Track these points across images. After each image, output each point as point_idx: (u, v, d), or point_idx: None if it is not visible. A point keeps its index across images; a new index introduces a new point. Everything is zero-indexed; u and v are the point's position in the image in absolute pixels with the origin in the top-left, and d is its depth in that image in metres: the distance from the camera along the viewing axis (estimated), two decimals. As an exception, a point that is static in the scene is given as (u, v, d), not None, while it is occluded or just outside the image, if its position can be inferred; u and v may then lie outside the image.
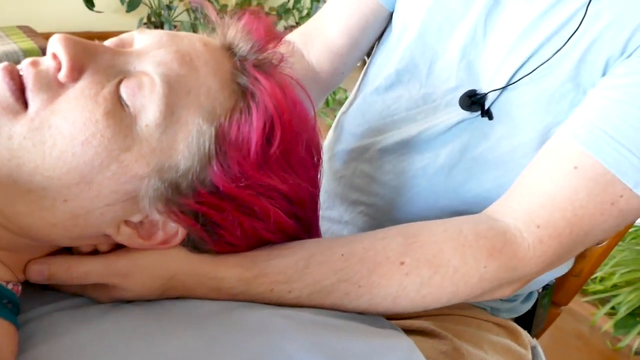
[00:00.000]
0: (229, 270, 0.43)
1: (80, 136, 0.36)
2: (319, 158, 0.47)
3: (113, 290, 0.42)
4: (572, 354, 1.60)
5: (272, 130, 0.41)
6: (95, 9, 2.97)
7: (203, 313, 0.41)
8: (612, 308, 1.60)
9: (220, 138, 0.40)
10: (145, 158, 0.38)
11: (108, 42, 0.42)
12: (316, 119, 0.47)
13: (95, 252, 0.43)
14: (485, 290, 0.48)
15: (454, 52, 0.58)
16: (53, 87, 0.37)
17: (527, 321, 0.71)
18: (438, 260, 0.46)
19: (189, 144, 0.39)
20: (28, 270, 0.41)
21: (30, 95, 0.37)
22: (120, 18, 3.30)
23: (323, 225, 0.57)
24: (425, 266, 0.46)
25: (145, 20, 3.22)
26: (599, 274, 1.68)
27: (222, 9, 3.52)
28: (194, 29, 3.16)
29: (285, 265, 0.44)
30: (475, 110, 0.55)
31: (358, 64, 0.77)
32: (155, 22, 3.20)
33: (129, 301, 0.43)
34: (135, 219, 0.41)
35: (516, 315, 0.71)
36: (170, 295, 0.43)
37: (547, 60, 0.50)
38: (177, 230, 0.42)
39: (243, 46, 0.44)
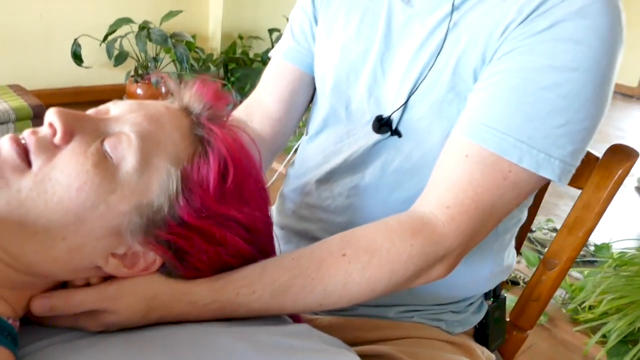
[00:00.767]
0: (199, 285, 0.51)
1: (75, 184, 0.44)
2: (266, 193, 0.55)
3: (103, 316, 0.48)
4: (568, 385, 1.57)
5: (226, 169, 0.50)
6: (83, 64, 3.06)
7: (177, 340, 0.47)
8: (603, 336, 1.57)
9: (185, 178, 0.48)
10: (127, 198, 0.46)
11: (89, 112, 0.51)
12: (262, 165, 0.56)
13: (87, 286, 0.50)
14: (419, 268, 0.55)
15: (363, 93, 0.69)
16: (50, 149, 0.46)
17: (483, 336, 0.76)
18: (372, 247, 0.54)
19: (160, 185, 0.47)
20: (33, 304, 0.47)
21: (33, 156, 0.45)
22: (108, 72, 3.39)
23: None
24: (363, 253, 0.54)
25: (132, 73, 3.31)
26: (587, 302, 1.67)
27: (208, 59, 3.62)
28: (180, 79, 3.24)
29: (246, 272, 0.52)
30: (386, 132, 0.66)
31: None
32: (143, 74, 3.27)
33: (115, 331, 0.49)
34: (120, 251, 0.48)
35: (470, 327, 0.76)
36: (153, 315, 0.49)
37: (424, 79, 0.62)
38: (154, 258, 0.49)
39: (197, 107, 0.53)
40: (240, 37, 3.84)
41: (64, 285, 0.50)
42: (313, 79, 0.79)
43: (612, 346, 1.53)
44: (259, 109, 0.80)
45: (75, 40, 3.03)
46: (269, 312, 0.53)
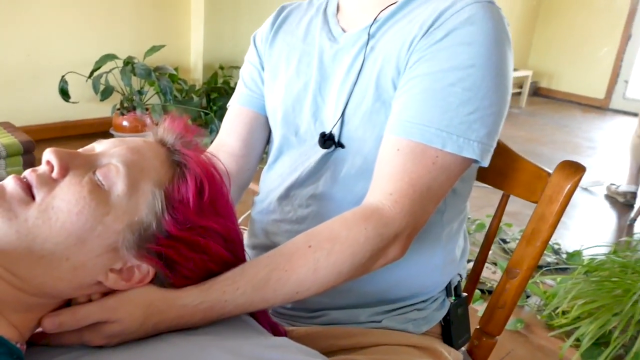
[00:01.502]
0: (189, 289, 0.58)
1: (75, 209, 0.51)
2: (234, 207, 0.65)
3: (106, 327, 0.54)
4: (548, 389, 1.66)
5: (202, 186, 0.58)
6: (70, 100, 3.13)
7: (169, 356, 0.53)
8: (577, 340, 1.67)
9: (168, 197, 0.56)
10: (120, 218, 0.53)
11: (92, 147, 0.60)
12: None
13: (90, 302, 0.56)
14: (376, 248, 0.64)
15: (308, 119, 0.81)
16: (50, 183, 0.53)
17: (448, 333, 0.84)
18: (333, 235, 0.63)
19: (147, 204, 0.55)
20: (43, 322, 0.53)
21: (35, 190, 0.52)
22: (95, 106, 3.47)
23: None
24: (325, 242, 0.63)
25: (118, 106, 3.39)
26: (561, 308, 1.77)
27: (191, 89, 3.71)
28: (165, 110, 3.32)
29: (228, 274, 0.60)
30: (330, 146, 0.77)
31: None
32: (128, 107, 3.36)
33: (115, 347, 0.55)
34: (117, 266, 0.55)
35: (435, 323, 0.83)
36: (150, 321, 0.55)
37: (352, 95, 0.74)
38: (148, 270, 0.56)
39: (170, 138, 0.61)
40: (221, 68, 3.95)
41: (67, 305, 0.56)
42: (267, 119, 0.90)
43: (585, 349, 1.63)
44: (222, 150, 0.89)
45: (62, 77, 3.11)
46: (253, 305, 0.60)
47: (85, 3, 3.31)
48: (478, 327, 0.89)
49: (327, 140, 0.76)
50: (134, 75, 3.19)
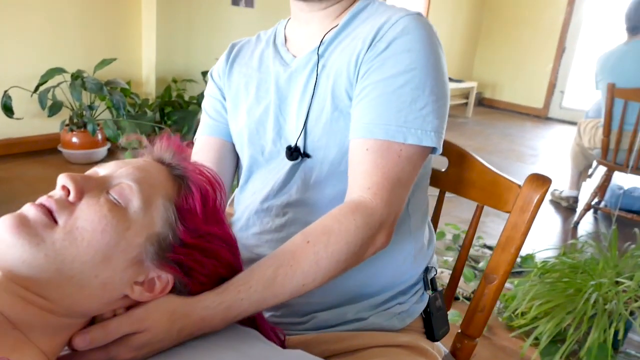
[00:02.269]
0: (207, 294, 0.62)
1: (99, 227, 0.54)
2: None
3: (134, 338, 0.56)
4: (510, 388, 1.74)
5: (206, 194, 0.62)
6: (14, 116, 2.99)
7: None
8: (536, 338, 1.75)
9: (178, 208, 0.60)
10: (139, 232, 0.56)
11: (96, 172, 0.62)
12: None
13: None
14: (366, 236, 0.70)
15: (273, 137, 0.86)
16: (69, 206, 0.55)
17: (429, 325, 0.90)
18: (327, 229, 0.69)
19: (161, 217, 0.58)
20: (74, 341, 0.55)
21: (57, 214, 0.54)
22: (42, 122, 3.34)
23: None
24: (321, 236, 0.69)
25: (67, 122, 3.27)
26: (519, 309, 1.86)
27: (144, 103, 3.64)
28: (118, 125, 3.24)
29: (239, 277, 0.65)
30: (297, 157, 0.82)
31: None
32: (78, 122, 3.25)
33: None
34: (141, 279, 0.58)
35: (417, 316, 0.89)
36: (175, 326, 0.59)
37: (311, 109, 0.81)
38: (167, 280, 0.59)
39: (167, 156, 0.65)
40: (175, 81, 3.90)
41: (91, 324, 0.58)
42: (233, 145, 0.95)
43: (544, 347, 1.72)
44: None
45: (5, 92, 2.98)
46: (266, 302, 0.65)
47: (28, 15, 3.19)
48: (459, 330, 0.94)
49: (294, 152, 0.82)
50: (85, 89, 3.10)
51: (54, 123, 3.31)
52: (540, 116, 6.73)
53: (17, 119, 3.06)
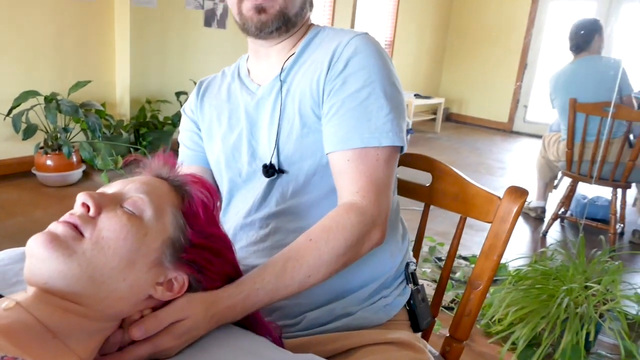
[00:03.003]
0: (228, 286, 0.71)
1: (121, 235, 0.60)
2: None
3: (178, 326, 0.64)
4: (490, 392, 1.81)
5: (206, 199, 0.70)
6: (-13, 139, 2.96)
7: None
8: (513, 343, 1.83)
9: (185, 214, 0.67)
10: (156, 237, 0.63)
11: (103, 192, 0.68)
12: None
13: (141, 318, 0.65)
14: (361, 232, 0.79)
15: (248, 159, 0.94)
16: (91, 220, 0.61)
17: (414, 316, 0.97)
18: (326, 227, 0.78)
19: (172, 223, 0.65)
20: (131, 332, 0.62)
21: (82, 228, 0.60)
22: (15, 145, 3.30)
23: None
24: (322, 233, 0.78)
25: (42, 144, 3.24)
26: (496, 316, 1.94)
27: (119, 125, 3.63)
28: (93, 147, 3.23)
29: (253, 272, 0.74)
30: (273, 174, 0.90)
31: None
32: (53, 145, 3.22)
33: None
34: (161, 279, 0.64)
35: (401, 307, 0.95)
36: (210, 312, 0.67)
37: (281, 128, 0.89)
38: (183, 280, 0.66)
39: (164, 171, 0.72)
40: (149, 102, 3.92)
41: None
42: (212, 172, 1.03)
43: (521, 351, 1.80)
44: None
45: (-22, 116, 2.94)
46: (279, 292, 0.74)
47: (0, 39, 3.18)
48: (448, 334, 1.00)
49: (270, 170, 0.90)
50: (60, 112, 3.08)
51: (27, 146, 3.27)
52: (506, 130, 6.97)
53: (-10, 142, 3.02)
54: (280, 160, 0.90)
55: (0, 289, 0.73)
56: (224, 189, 1.00)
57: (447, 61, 7.48)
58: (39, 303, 0.55)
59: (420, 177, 1.07)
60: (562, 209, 3.19)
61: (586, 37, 3.04)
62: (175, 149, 1.05)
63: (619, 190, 2.97)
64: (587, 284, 1.89)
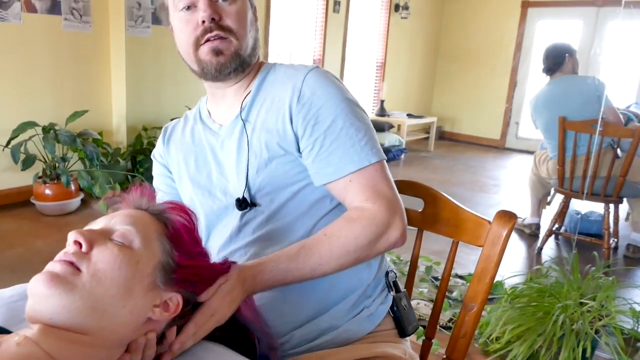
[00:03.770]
0: (247, 262, 0.81)
1: (116, 266, 0.64)
2: None
3: (223, 287, 0.75)
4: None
5: (187, 223, 0.75)
6: (-14, 171, 2.99)
7: None
8: (511, 361, 1.86)
9: (170, 238, 0.71)
10: (147, 263, 0.67)
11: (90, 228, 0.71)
12: None
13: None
14: (374, 233, 0.86)
15: (220, 197, 0.98)
16: (85, 256, 0.65)
17: (399, 323, 1.00)
18: (339, 227, 0.86)
19: (160, 248, 0.69)
20: (172, 349, 0.69)
21: (78, 264, 0.64)
22: (14, 175, 3.33)
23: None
24: (336, 231, 0.86)
25: (40, 174, 3.27)
26: (494, 334, 1.96)
27: (116, 153, 3.67)
28: (91, 175, 3.26)
29: (268, 256, 0.84)
30: (246, 207, 0.94)
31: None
32: (51, 174, 3.25)
33: None
34: (157, 302, 0.68)
35: (383, 316, 0.98)
36: (241, 275, 0.78)
37: (249, 165, 0.93)
38: (177, 300, 0.70)
39: (144, 203, 0.76)
40: (145, 129, 3.96)
41: None
42: None
43: (519, 369, 1.82)
44: None
45: (-23, 148, 2.98)
46: (291, 273, 0.83)
47: None
48: (444, 356, 1.03)
49: (242, 204, 0.95)
50: (58, 142, 3.12)
51: (26, 175, 3.30)
52: (499, 147, 7.04)
53: (-12, 173, 3.05)
54: (251, 194, 0.95)
55: (12, 325, 0.75)
56: (200, 226, 1.02)
57: (438, 82, 7.60)
58: (47, 337, 0.59)
59: (412, 202, 1.10)
60: (556, 225, 3.23)
61: (556, 60, 3.17)
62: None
63: (611, 206, 3.01)
64: (582, 300, 1.91)
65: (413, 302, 2.32)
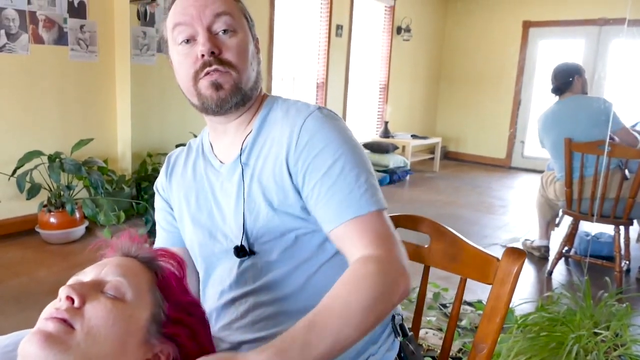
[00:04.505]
0: (250, 351, 0.67)
1: (110, 322, 0.63)
2: None
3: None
4: None
5: (175, 270, 0.74)
6: (-8, 201, 2.99)
7: None
8: (524, 393, 1.81)
9: (161, 290, 0.70)
10: (140, 316, 0.66)
11: (71, 282, 0.69)
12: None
13: None
14: (387, 281, 0.76)
15: (219, 239, 0.96)
16: (77, 312, 0.63)
17: None
18: (345, 282, 0.76)
19: (151, 299, 0.68)
20: None
21: (72, 321, 0.62)
22: (19, 204, 3.33)
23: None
24: (341, 290, 0.75)
25: (45, 202, 3.27)
26: (506, 365, 1.91)
27: (120, 180, 3.66)
28: (95, 203, 3.26)
29: (282, 336, 0.68)
30: (245, 255, 0.92)
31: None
32: (56, 203, 3.25)
33: None
34: (149, 355, 0.66)
35: None
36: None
37: (245, 214, 0.90)
38: (168, 352, 0.68)
39: (133, 249, 0.74)
40: (150, 155, 3.96)
41: None
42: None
43: (533, 401, 1.77)
44: None
45: (-17, 178, 2.98)
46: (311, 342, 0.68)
47: (3, 100, 3.25)
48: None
49: (241, 252, 0.92)
50: (63, 170, 3.13)
51: (31, 204, 3.30)
52: (504, 166, 7.01)
53: (-6, 203, 3.05)
54: (249, 242, 0.92)
55: None
56: (200, 268, 1.01)
57: (442, 102, 7.61)
58: None
59: (418, 238, 1.08)
60: (566, 247, 3.18)
61: (565, 80, 3.16)
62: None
63: (622, 227, 2.97)
64: (596, 329, 1.87)
65: (421, 332, 2.27)
